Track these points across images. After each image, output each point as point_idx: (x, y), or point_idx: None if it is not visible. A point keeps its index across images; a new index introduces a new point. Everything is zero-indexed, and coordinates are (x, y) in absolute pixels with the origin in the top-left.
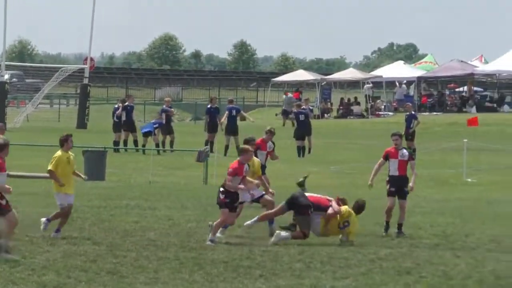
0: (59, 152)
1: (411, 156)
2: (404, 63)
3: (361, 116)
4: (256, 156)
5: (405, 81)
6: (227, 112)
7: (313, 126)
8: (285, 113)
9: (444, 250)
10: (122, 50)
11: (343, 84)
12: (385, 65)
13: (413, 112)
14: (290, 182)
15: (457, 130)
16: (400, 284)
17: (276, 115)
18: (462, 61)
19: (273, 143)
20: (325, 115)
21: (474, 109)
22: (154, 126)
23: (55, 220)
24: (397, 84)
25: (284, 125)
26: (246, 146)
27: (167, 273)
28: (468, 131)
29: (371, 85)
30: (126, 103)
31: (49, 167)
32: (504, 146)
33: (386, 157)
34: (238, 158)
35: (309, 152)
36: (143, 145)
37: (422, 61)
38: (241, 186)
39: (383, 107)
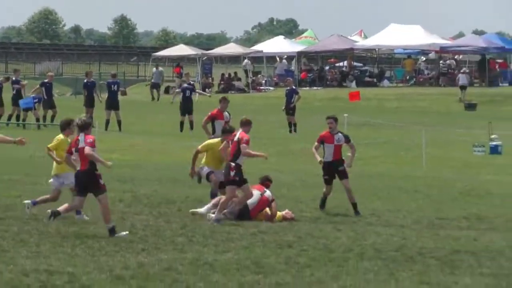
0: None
1: (347, 139)
2: (284, 38)
3: (242, 91)
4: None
5: (285, 56)
6: (107, 87)
7: (194, 101)
8: (154, 87)
9: (325, 224)
10: (0, 25)
11: (224, 59)
12: (266, 40)
13: (293, 87)
14: (174, 157)
15: (337, 105)
16: (282, 257)
17: (147, 85)
18: (342, 36)
19: (229, 113)
20: (206, 90)
21: (354, 83)
22: (34, 101)
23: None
24: (278, 59)
25: (153, 99)
26: (249, 119)
27: (49, 247)
28: (349, 106)
29: (248, 61)
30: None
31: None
32: (384, 120)
33: (321, 142)
34: (242, 130)
35: (192, 126)
36: (23, 120)
37: (302, 36)
38: (258, 153)
39: (264, 82)
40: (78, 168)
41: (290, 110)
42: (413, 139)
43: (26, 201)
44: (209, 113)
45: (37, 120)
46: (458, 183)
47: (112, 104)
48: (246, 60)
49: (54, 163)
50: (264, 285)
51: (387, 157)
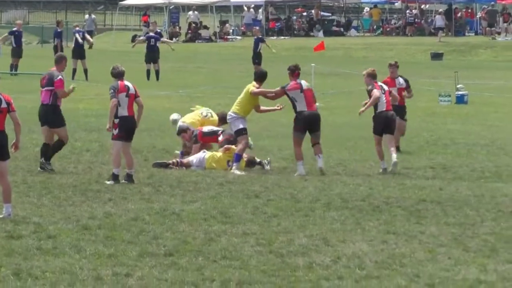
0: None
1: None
2: None
3: (209, 40)
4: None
5: (253, 5)
6: (76, 35)
7: (161, 50)
8: (88, 34)
9: (292, 173)
10: None
11: (191, 8)
12: None
13: (260, 36)
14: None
15: (304, 55)
16: (249, 207)
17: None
18: None
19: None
20: (173, 39)
21: (321, 33)
22: None
23: None
24: (245, 8)
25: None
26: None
27: (15, 197)
28: (316, 56)
29: (192, 12)
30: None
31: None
32: (351, 70)
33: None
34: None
35: (157, 76)
36: None
37: None
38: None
39: (231, 31)
40: None
41: (256, 59)
42: None
43: None
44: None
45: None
46: (424, 132)
47: (79, 53)
48: (190, 12)
49: None
50: (231, 235)
51: (353, 107)
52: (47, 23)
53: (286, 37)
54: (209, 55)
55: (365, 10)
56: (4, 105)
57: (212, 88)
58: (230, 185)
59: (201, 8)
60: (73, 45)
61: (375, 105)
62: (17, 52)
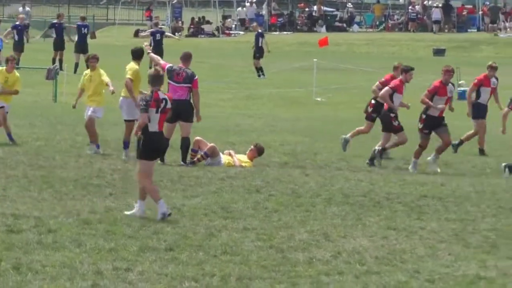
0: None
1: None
2: None
3: (212, 35)
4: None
5: (255, 0)
6: (77, 30)
7: (164, 45)
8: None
9: (294, 168)
10: None
11: (194, 2)
12: None
13: (259, 31)
14: None
15: (307, 50)
16: (250, 202)
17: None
18: None
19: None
20: (176, 34)
21: (324, 28)
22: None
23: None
24: (248, 3)
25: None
26: None
27: (16, 191)
28: (318, 51)
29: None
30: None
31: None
32: (353, 65)
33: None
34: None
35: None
36: None
37: None
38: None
39: (233, 26)
40: None
41: (256, 54)
42: None
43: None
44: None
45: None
46: None
47: (81, 47)
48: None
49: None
50: (232, 230)
51: (355, 102)
52: (49, 17)
53: (288, 33)
54: (211, 50)
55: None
56: (169, 105)
57: (215, 83)
58: (231, 180)
59: (204, 3)
60: (76, 39)
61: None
62: (18, 46)
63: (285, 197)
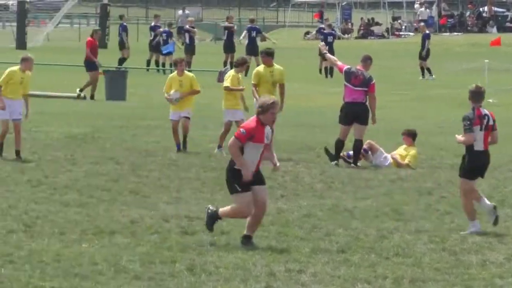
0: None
1: None
2: None
3: (381, 36)
4: None
5: (423, 1)
6: (245, 32)
7: (334, 47)
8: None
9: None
10: None
11: (363, 4)
12: None
13: (427, 32)
14: (313, 102)
15: (478, 51)
16: (421, 204)
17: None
18: None
19: None
20: (346, 35)
21: (495, 29)
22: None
23: None
24: (417, 4)
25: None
26: None
27: (189, 193)
28: (489, 52)
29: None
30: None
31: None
32: None
33: None
34: None
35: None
36: (163, 65)
37: None
38: None
39: (403, 27)
40: None
41: (421, 54)
42: None
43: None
44: None
45: (171, 65)
46: None
47: (252, 49)
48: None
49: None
50: (404, 232)
51: None
52: (220, 20)
53: (459, 34)
54: (380, 52)
55: None
56: (491, 122)
57: (383, 85)
58: (401, 182)
59: (374, 4)
60: (246, 42)
61: None
62: (189, 49)
63: (457, 199)
